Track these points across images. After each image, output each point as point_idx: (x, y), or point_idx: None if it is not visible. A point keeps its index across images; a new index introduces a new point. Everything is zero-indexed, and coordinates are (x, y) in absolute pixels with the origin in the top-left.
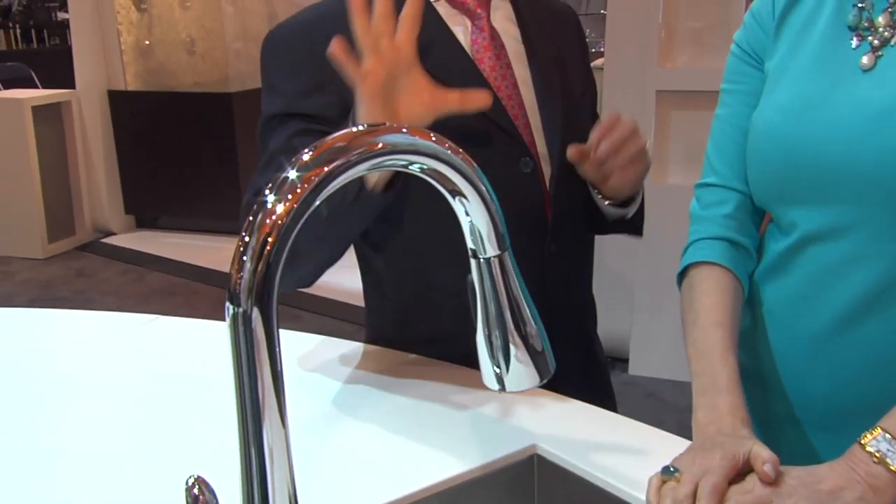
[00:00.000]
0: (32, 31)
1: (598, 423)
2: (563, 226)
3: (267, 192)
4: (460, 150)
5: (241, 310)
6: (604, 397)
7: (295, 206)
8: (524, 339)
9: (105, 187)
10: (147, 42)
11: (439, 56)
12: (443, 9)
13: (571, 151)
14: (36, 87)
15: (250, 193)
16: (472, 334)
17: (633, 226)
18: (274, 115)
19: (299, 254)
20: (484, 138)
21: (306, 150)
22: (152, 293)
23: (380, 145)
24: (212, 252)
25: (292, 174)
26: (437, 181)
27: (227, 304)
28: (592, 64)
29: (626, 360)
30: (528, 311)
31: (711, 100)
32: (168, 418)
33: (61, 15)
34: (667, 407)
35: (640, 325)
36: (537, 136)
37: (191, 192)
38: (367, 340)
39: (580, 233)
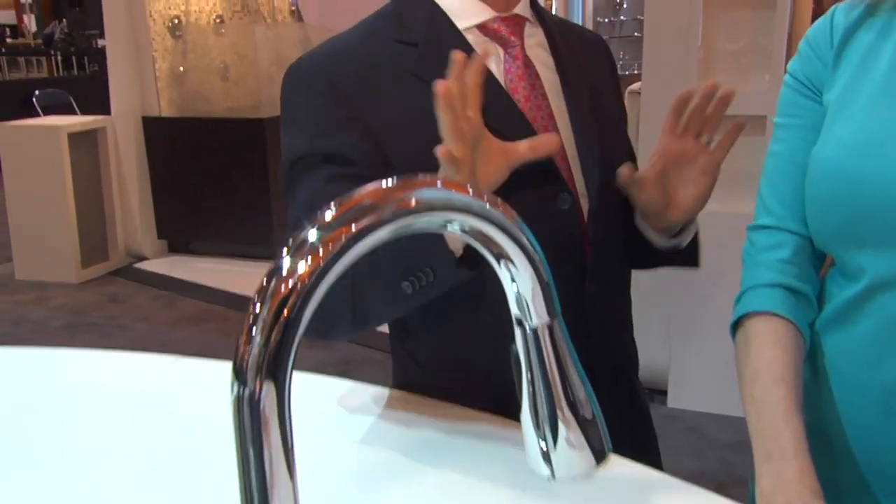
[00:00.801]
0: (73, 57)
1: (641, 485)
2: (602, 265)
3: (284, 253)
4: (499, 200)
5: (247, 391)
6: (646, 448)
7: (315, 270)
8: (576, 418)
9: (138, 212)
10: (181, 68)
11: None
12: (473, 37)
13: (624, 172)
14: (74, 112)
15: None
16: (516, 412)
17: (689, 256)
18: (299, 159)
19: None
20: (520, 174)
21: (329, 206)
22: (183, 319)
23: (413, 202)
24: (243, 277)
25: (312, 235)
26: (480, 241)
27: (232, 381)
28: (629, 88)
29: (664, 392)
30: (581, 386)
31: (752, 124)
32: (185, 469)
33: (101, 42)
34: (708, 443)
35: (678, 356)
36: (574, 169)
37: (223, 217)
38: (395, 385)
39: (621, 271)
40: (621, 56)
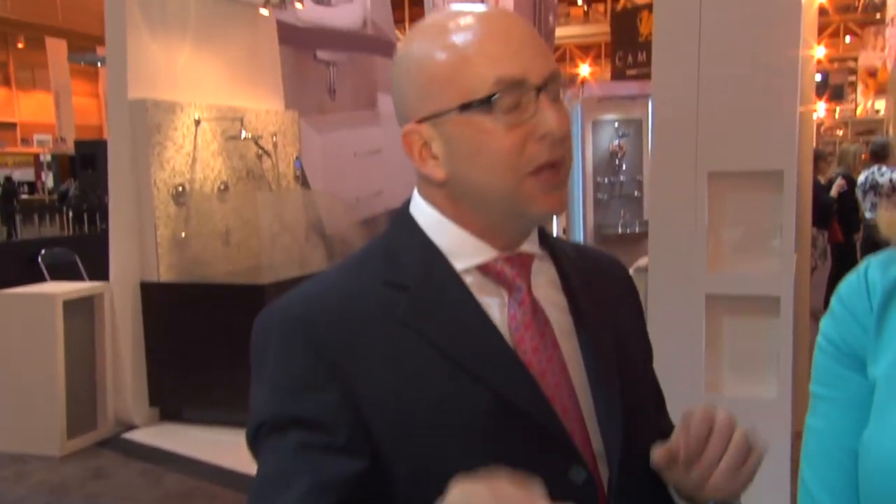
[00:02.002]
0: (85, 214)
1: None
2: None
3: None
4: None
5: None
6: None
7: None
8: None
9: (131, 379)
10: (183, 234)
11: (470, 339)
12: (472, 279)
13: (657, 456)
14: (79, 272)
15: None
16: None
17: None
18: (266, 421)
19: None
20: (525, 445)
21: None
22: (169, 498)
23: None
24: (234, 448)
25: None
26: None
27: None
28: (636, 265)
29: None
30: None
31: (765, 305)
32: None
33: None
34: None
35: None
36: (591, 430)
37: (217, 385)
38: None
39: None
40: (622, 215)
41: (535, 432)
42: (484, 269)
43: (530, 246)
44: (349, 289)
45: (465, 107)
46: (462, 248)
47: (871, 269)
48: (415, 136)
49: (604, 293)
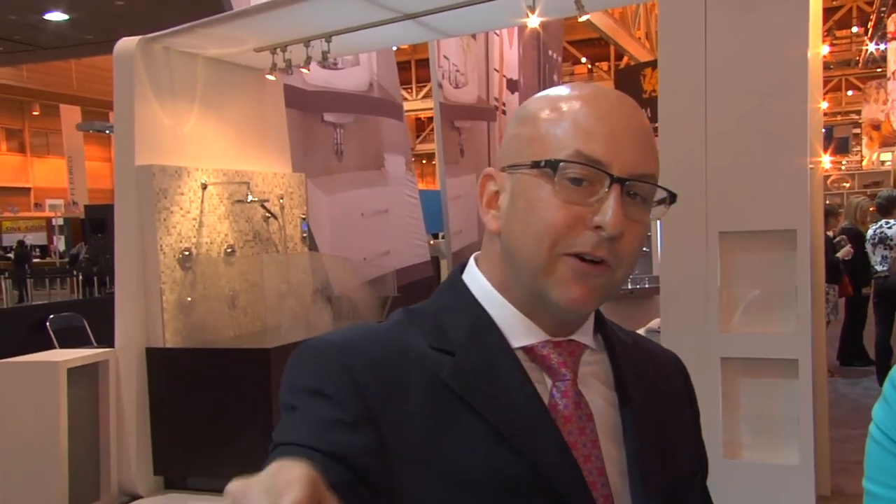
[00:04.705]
0: (95, 277)
1: None
2: None
3: None
4: None
5: None
6: None
7: None
8: None
9: (135, 448)
10: (189, 298)
11: (515, 411)
12: (522, 360)
13: None
14: (87, 336)
15: None
16: None
17: None
18: (287, 444)
19: None
20: None
21: None
22: None
23: None
24: None
25: None
26: None
27: None
28: (647, 326)
29: None
30: None
31: (782, 367)
32: None
33: None
34: None
35: None
36: None
37: (223, 452)
38: None
39: None
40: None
41: None
42: (529, 352)
43: (583, 336)
44: (394, 342)
45: (537, 164)
46: (512, 325)
47: None
48: (489, 181)
49: (657, 389)
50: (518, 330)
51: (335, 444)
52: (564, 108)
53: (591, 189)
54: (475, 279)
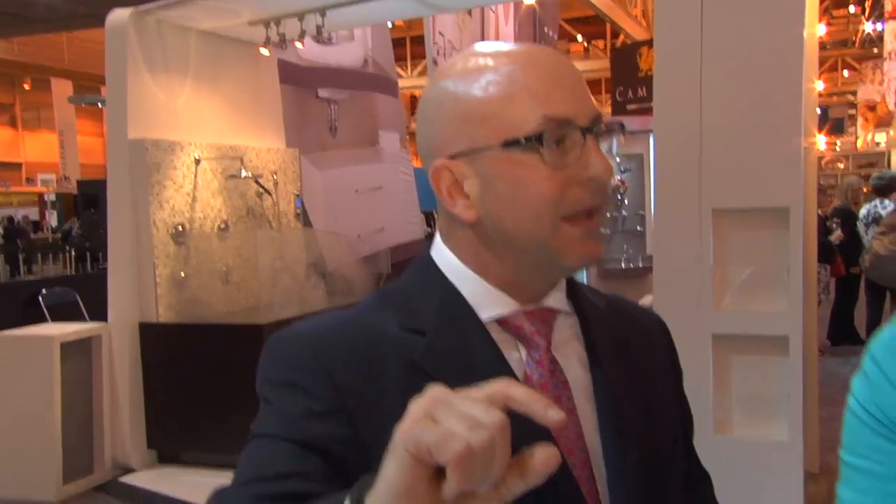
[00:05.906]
0: (88, 252)
1: None
2: None
3: None
4: None
5: None
6: None
7: None
8: None
9: (128, 422)
10: (182, 273)
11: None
12: (496, 331)
13: None
14: (80, 311)
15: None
16: None
17: None
18: (265, 435)
19: None
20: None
21: None
22: None
23: None
24: None
25: None
26: None
27: None
28: (640, 302)
29: None
30: None
31: (774, 344)
32: None
33: None
34: None
35: None
36: (603, 498)
37: (216, 427)
38: None
39: None
40: (625, 249)
41: (543, 488)
42: (502, 323)
43: (555, 300)
44: (365, 328)
45: (510, 143)
46: (482, 300)
47: None
48: (445, 172)
49: (636, 351)
50: (489, 302)
51: (308, 434)
52: (505, 79)
53: (567, 149)
54: (443, 256)
